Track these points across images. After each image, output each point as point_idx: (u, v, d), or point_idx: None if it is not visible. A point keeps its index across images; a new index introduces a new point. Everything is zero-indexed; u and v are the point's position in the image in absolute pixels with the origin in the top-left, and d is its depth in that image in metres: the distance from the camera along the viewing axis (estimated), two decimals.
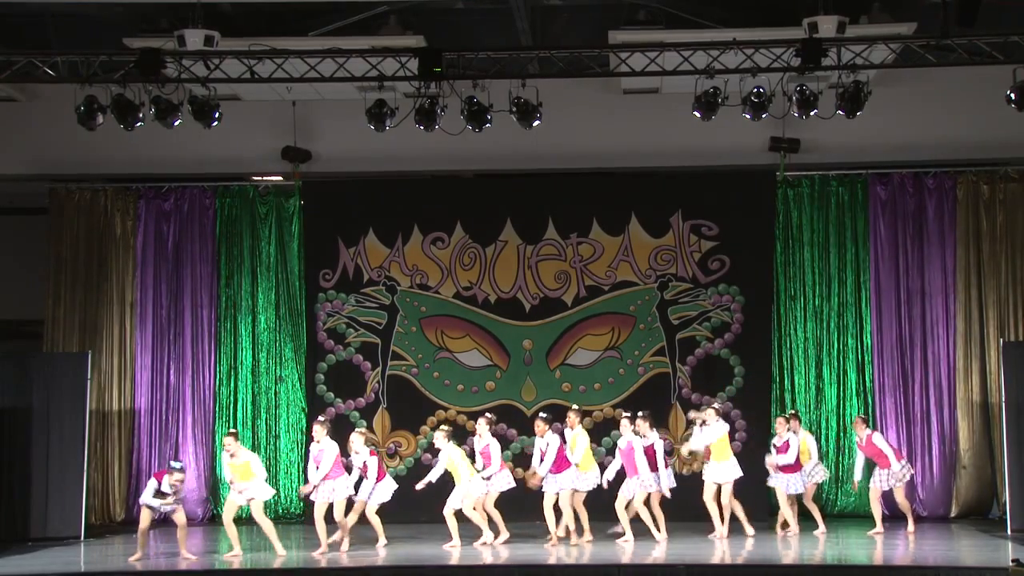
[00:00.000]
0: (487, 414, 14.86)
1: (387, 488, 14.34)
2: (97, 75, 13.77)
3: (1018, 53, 13.41)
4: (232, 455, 13.78)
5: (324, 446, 14.01)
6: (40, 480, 15.63)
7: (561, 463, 14.18)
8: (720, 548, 13.91)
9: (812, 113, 13.96)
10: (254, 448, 17.28)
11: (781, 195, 17.23)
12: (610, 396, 17.01)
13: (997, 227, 16.91)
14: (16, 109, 16.81)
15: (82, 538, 15.49)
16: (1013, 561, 11.99)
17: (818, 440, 16.82)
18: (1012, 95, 13.62)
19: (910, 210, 17.12)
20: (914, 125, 16.69)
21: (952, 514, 16.58)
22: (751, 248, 17.07)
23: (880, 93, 14.72)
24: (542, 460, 14.22)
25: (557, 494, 14.19)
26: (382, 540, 14.25)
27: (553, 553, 13.67)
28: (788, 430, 14.87)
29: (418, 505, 16.21)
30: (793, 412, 15.64)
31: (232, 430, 14.52)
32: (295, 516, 17.26)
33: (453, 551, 13.79)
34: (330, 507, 13.94)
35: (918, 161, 17.07)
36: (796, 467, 14.83)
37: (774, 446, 14.99)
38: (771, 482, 15.03)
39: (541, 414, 14.64)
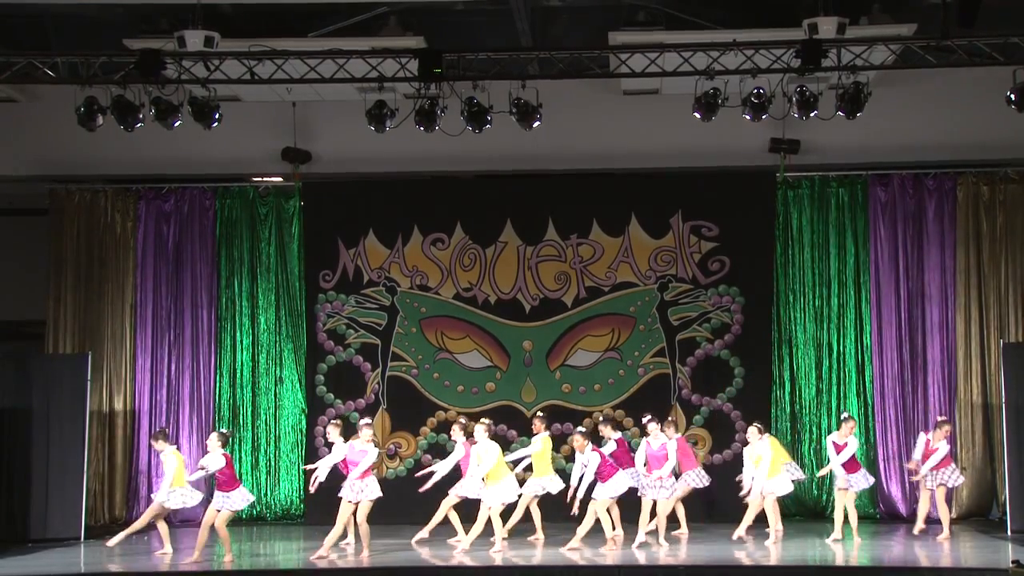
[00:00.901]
0: (484, 419, 14.73)
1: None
2: (97, 76, 13.77)
3: (1018, 54, 13.41)
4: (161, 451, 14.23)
5: (367, 448, 13.92)
6: (40, 481, 15.63)
7: (609, 471, 13.93)
8: (720, 549, 13.92)
9: (812, 114, 13.95)
10: (254, 449, 17.34)
11: (781, 196, 17.23)
12: (610, 397, 17.02)
13: (997, 228, 16.92)
14: (16, 110, 16.80)
15: (82, 539, 15.48)
16: (1013, 562, 11.99)
17: (817, 441, 16.86)
18: (1012, 96, 13.62)
19: (910, 211, 17.12)
20: (914, 126, 16.70)
21: (952, 515, 16.54)
22: (751, 249, 17.08)
23: (880, 94, 14.73)
24: (582, 478, 14.01)
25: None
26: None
27: (553, 554, 13.69)
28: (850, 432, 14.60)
29: (417, 506, 16.28)
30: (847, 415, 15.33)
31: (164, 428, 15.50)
32: (296, 517, 17.26)
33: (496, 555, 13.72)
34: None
35: (918, 162, 17.07)
36: (856, 466, 14.58)
37: (834, 443, 14.57)
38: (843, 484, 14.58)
39: (580, 429, 14.34)
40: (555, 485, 14.52)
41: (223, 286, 17.59)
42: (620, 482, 13.89)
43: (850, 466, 14.45)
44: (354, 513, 13.65)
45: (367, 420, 14.59)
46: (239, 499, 13.56)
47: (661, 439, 14.41)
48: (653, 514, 14.42)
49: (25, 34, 15.74)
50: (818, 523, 16.09)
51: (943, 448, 14.67)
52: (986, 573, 12.37)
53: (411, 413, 17.19)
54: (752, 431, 14.55)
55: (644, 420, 14.64)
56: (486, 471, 14.02)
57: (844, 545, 14.14)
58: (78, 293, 17.42)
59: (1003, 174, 16.97)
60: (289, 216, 17.62)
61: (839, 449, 14.43)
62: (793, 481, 14.87)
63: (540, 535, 14.63)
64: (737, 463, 15.34)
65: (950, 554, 13.57)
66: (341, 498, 13.61)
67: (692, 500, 15.24)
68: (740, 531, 14.42)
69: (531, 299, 17.31)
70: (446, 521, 14.56)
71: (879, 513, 16.80)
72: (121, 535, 14.16)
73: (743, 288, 17.12)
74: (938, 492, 14.72)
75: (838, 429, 14.78)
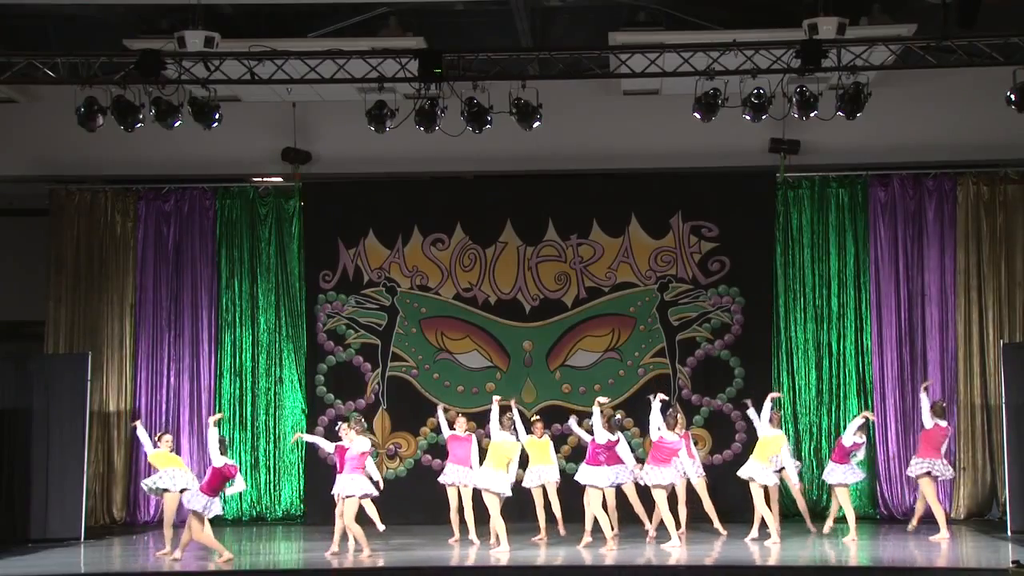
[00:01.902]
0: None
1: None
2: (97, 76, 13.77)
3: (1018, 54, 13.41)
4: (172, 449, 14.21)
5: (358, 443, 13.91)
6: (40, 481, 15.62)
7: (593, 459, 14.05)
8: (719, 549, 13.92)
9: (812, 114, 13.94)
10: (253, 449, 17.35)
11: (781, 196, 17.23)
12: (610, 397, 16.94)
13: (997, 228, 16.92)
14: (16, 110, 16.81)
15: (82, 539, 15.47)
16: (1013, 562, 11.98)
17: (818, 441, 16.87)
18: (1012, 96, 13.61)
19: (910, 211, 17.13)
20: (914, 126, 16.70)
21: (952, 515, 16.56)
22: (751, 249, 17.09)
23: (880, 94, 14.73)
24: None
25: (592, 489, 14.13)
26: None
27: (553, 554, 13.68)
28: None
29: (416, 506, 16.33)
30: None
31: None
32: (296, 517, 17.26)
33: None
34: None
35: (918, 162, 17.07)
36: (845, 459, 14.64)
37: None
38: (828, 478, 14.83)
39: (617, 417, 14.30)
40: (549, 476, 14.59)
41: (223, 286, 17.59)
42: (600, 473, 13.94)
43: (839, 457, 14.50)
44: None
45: (342, 424, 14.59)
46: (203, 503, 13.22)
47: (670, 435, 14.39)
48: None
49: (25, 34, 15.74)
50: (818, 523, 16.08)
51: (925, 400, 14.73)
52: (986, 573, 12.37)
53: (411, 413, 17.19)
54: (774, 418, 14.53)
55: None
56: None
57: (842, 545, 14.14)
58: (78, 293, 17.44)
59: (1003, 174, 16.98)
60: (289, 216, 17.62)
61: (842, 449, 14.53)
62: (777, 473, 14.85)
63: (543, 535, 14.62)
64: (737, 463, 15.28)
65: (949, 554, 13.56)
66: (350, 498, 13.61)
67: (692, 500, 15.18)
68: (753, 532, 14.44)
69: (531, 299, 17.31)
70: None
71: (879, 513, 16.81)
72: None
73: (743, 288, 17.13)
74: (926, 484, 14.61)
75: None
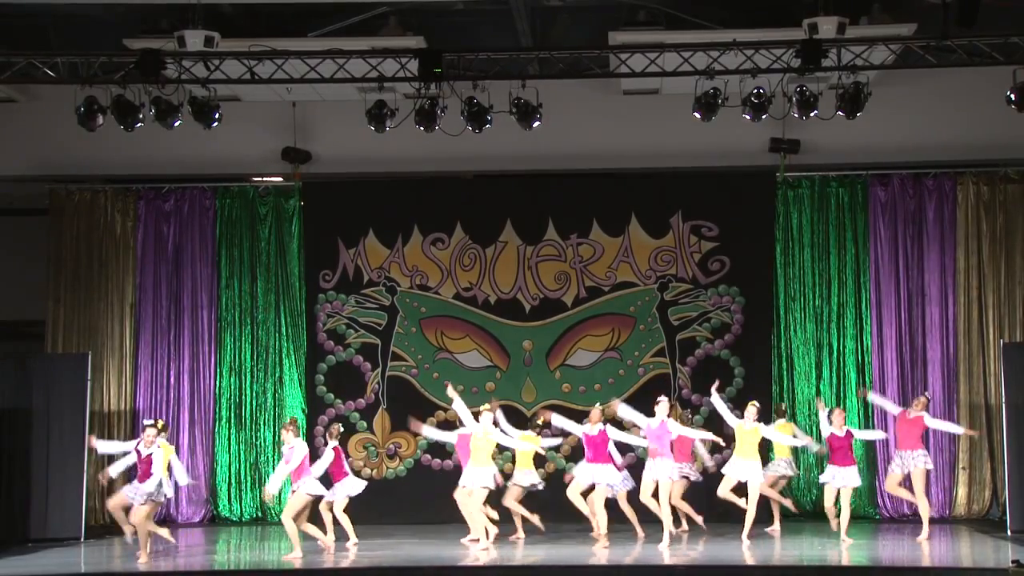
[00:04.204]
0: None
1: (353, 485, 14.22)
2: (97, 76, 13.78)
3: (1018, 54, 13.42)
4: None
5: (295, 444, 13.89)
6: (40, 481, 15.64)
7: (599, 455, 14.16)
8: (720, 549, 13.91)
9: (812, 114, 13.96)
10: (253, 448, 17.33)
11: (781, 196, 17.23)
12: (610, 397, 16.87)
13: (997, 228, 16.93)
14: (16, 110, 16.81)
15: (82, 539, 15.48)
16: (1013, 562, 11.98)
17: (817, 441, 16.86)
18: (1012, 96, 13.63)
19: (910, 211, 17.14)
20: (914, 126, 16.71)
21: (952, 515, 16.58)
22: (751, 249, 17.10)
23: (880, 94, 14.73)
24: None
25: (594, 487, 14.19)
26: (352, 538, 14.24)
27: (554, 553, 13.68)
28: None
29: (415, 506, 16.33)
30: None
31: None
32: None
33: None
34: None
35: (918, 162, 17.08)
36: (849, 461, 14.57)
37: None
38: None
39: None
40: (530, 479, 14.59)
41: (223, 286, 17.60)
42: (584, 472, 14.06)
43: (842, 459, 14.45)
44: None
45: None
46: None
47: (660, 419, 14.30)
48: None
49: (25, 34, 15.74)
50: (817, 523, 16.08)
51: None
52: (986, 573, 12.38)
53: (411, 413, 17.14)
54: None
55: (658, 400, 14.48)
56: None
57: (840, 545, 14.13)
58: (78, 293, 17.43)
59: (1003, 174, 16.99)
60: (289, 216, 17.63)
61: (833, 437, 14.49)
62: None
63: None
64: None
65: (950, 554, 13.56)
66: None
67: (691, 499, 15.19)
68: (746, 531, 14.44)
69: (531, 299, 17.31)
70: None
71: (879, 513, 16.81)
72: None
73: (743, 288, 17.13)
74: (916, 474, 14.55)
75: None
